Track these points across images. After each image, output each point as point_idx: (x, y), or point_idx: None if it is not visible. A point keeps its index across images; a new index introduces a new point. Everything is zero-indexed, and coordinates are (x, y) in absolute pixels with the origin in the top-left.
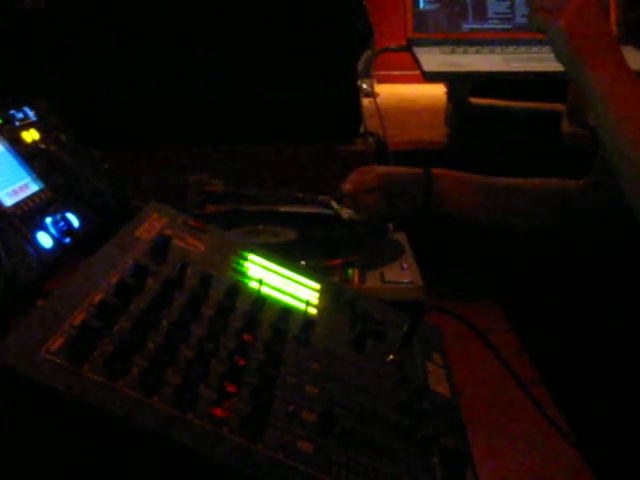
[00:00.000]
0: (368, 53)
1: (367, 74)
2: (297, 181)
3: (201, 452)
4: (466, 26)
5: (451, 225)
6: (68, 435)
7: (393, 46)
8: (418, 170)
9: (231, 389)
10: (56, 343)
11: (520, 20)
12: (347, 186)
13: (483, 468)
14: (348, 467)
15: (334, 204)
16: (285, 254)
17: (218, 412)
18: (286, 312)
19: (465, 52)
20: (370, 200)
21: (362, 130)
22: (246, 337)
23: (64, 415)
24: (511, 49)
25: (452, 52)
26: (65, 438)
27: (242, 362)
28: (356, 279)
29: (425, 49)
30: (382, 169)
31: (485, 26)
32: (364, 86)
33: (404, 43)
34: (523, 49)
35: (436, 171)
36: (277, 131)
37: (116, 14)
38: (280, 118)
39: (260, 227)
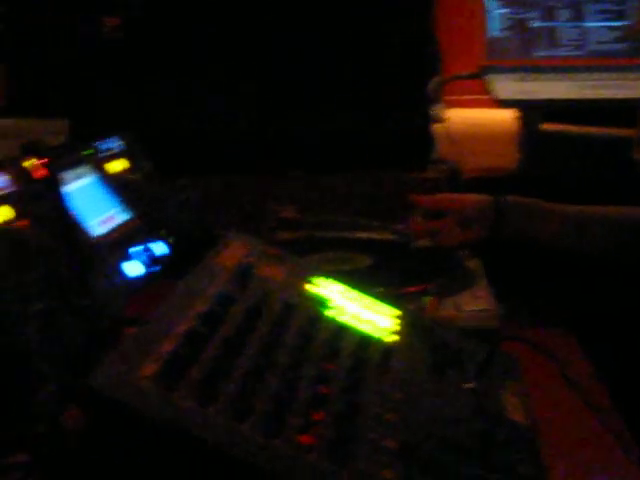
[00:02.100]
0: (436, 79)
1: (436, 100)
2: (370, 208)
3: (289, 479)
4: (537, 53)
5: (522, 252)
6: (160, 459)
7: (465, 73)
8: (489, 197)
9: (316, 417)
10: (149, 370)
11: (591, 46)
12: (418, 212)
13: None
14: None
15: (409, 231)
16: (361, 281)
17: (304, 439)
18: (365, 340)
19: (537, 79)
20: (442, 227)
21: (434, 157)
22: (328, 366)
23: (157, 440)
24: (583, 76)
25: (524, 79)
26: (158, 462)
27: (325, 390)
28: (432, 307)
29: (497, 76)
30: (454, 196)
31: (556, 53)
32: (433, 112)
33: (474, 70)
34: (595, 75)
35: (508, 199)
36: (349, 159)
37: (194, 44)
38: (351, 147)
39: (334, 254)
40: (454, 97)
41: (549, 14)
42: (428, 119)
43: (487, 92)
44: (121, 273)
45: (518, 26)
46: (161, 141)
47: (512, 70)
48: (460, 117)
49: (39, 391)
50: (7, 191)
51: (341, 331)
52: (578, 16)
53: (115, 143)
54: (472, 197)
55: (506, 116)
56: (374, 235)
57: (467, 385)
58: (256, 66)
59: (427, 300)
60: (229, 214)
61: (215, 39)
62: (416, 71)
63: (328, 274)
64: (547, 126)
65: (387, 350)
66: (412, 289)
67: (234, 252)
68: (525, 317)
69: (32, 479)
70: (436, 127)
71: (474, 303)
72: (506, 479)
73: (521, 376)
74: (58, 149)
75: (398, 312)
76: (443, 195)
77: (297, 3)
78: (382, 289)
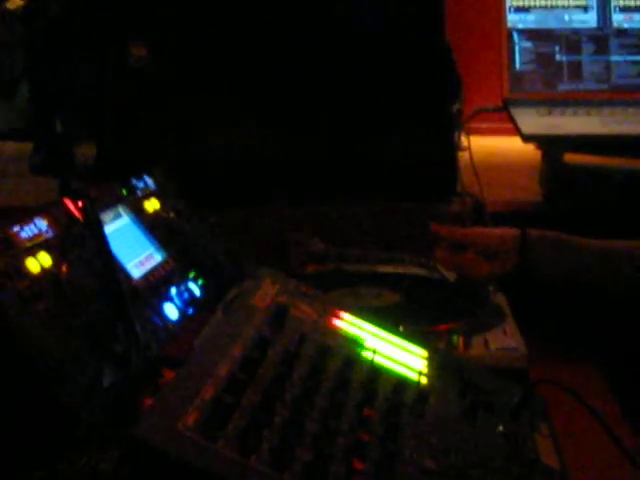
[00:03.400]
0: (457, 106)
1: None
2: (395, 241)
3: None
4: (562, 87)
5: (545, 288)
6: None
7: (490, 107)
8: (514, 230)
9: (358, 466)
10: (191, 418)
11: (616, 80)
12: (443, 245)
13: None
14: None
15: (438, 266)
16: (391, 317)
17: None
18: (400, 383)
19: (562, 113)
20: (466, 260)
21: (458, 189)
22: (366, 411)
23: None
24: (608, 110)
25: (549, 113)
26: None
27: (366, 437)
28: (461, 345)
29: (522, 110)
30: (478, 229)
31: (581, 87)
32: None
33: (498, 102)
34: (619, 110)
35: (532, 232)
36: (374, 190)
37: (221, 74)
38: (377, 177)
39: (362, 289)
40: (477, 125)
41: (574, 47)
42: (453, 150)
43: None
44: (161, 315)
45: (542, 59)
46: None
47: (536, 104)
48: (486, 145)
49: (78, 436)
50: (47, 236)
51: (376, 373)
52: (603, 50)
53: (148, 181)
54: (496, 231)
55: (529, 146)
56: (403, 269)
57: (500, 429)
58: (276, 97)
59: (457, 339)
60: (251, 247)
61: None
62: (439, 100)
63: (359, 312)
64: (570, 156)
65: (421, 393)
66: (441, 327)
67: (267, 290)
68: (552, 356)
69: None
70: (460, 156)
71: (503, 342)
72: None
73: (551, 418)
74: (94, 189)
75: (428, 352)
76: (467, 229)
77: (323, 36)
78: (412, 328)
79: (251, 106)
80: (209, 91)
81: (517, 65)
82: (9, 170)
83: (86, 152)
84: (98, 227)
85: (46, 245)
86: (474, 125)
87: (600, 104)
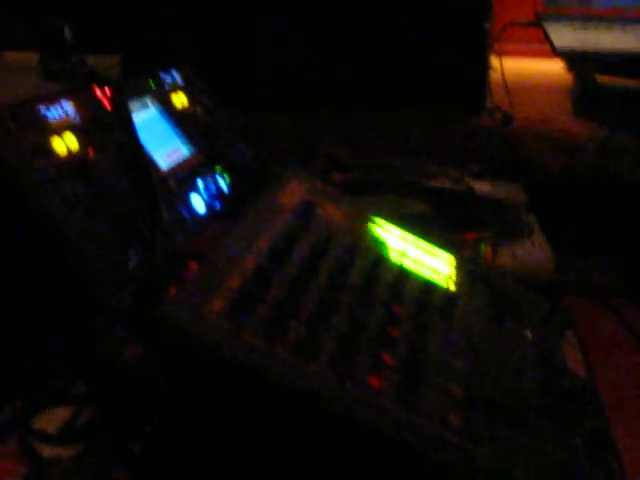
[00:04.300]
0: (487, 25)
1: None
2: (422, 152)
3: (359, 419)
4: (597, 2)
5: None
6: (227, 395)
7: (523, 21)
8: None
9: (387, 359)
10: (217, 304)
11: None
12: None
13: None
14: (495, 442)
15: (467, 178)
16: (418, 226)
17: (374, 381)
18: (428, 285)
19: (597, 29)
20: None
21: (487, 104)
22: (395, 308)
23: (225, 376)
24: None
25: (583, 28)
26: (222, 397)
27: (395, 333)
28: (489, 255)
29: (555, 24)
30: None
31: (616, 3)
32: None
33: (529, 17)
34: None
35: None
36: (404, 99)
37: None
38: (408, 88)
39: (388, 198)
40: (509, 45)
41: None
42: (484, 65)
43: (543, 41)
44: (189, 207)
45: None
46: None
47: (571, 19)
48: (514, 66)
49: (99, 319)
50: (73, 119)
51: (404, 275)
52: None
53: (176, 75)
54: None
55: (558, 67)
56: (431, 181)
57: (528, 335)
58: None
59: (484, 248)
60: (278, 152)
61: None
62: (470, 16)
63: (387, 217)
64: (601, 78)
65: (449, 297)
66: (469, 236)
67: (294, 190)
68: (580, 267)
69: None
70: (490, 74)
71: (531, 253)
72: (572, 432)
73: (578, 328)
74: (122, 79)
75: (456, 259)
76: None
77: None
78: (439, 235)
79: (297, 25)
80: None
81: None
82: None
83: (106, 62)
84: (126, 113)
85: (73, 127)
86: (504, 46)
87: (635, 21)
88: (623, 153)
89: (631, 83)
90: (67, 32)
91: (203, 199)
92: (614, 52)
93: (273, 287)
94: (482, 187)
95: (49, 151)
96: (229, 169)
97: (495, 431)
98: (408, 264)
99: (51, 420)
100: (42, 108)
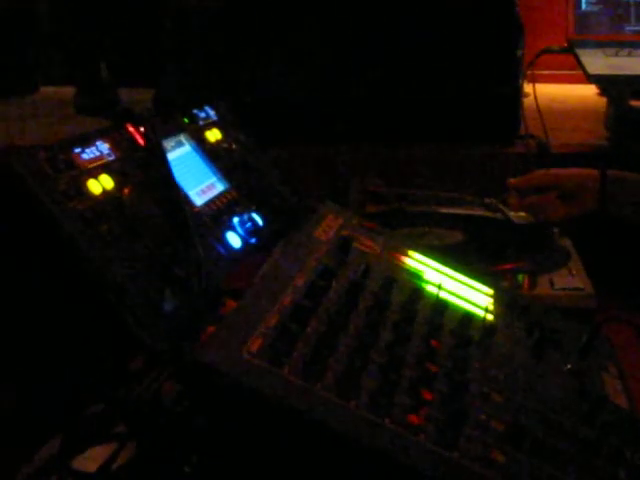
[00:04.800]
0: (519, 52)
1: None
2: (457, 182)
3: (399, 459)
4: (629, 28)
5: (621, 229)
6: (266, 435)
7: (555, 47)
8: (592, 171)
9: (427, 396)
10: (255, 344)
11: None
12: (516, 183)
13: None
14: (539, 479)
15: (502, 207)
16: (454, 257)
17: (414, 419)
18: (466, 318)
19: (629, 54)
20: (544, 201)
21: (521, 132)
22: (434, 343)
23: (264, 416)
24: None
25: (615, 55)
26: (262, 437)
27: (434, 369)
28: (526, 285)
29: (588, 51)
30: (556, 170)
31: None
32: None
33: (561, 44)
34: None
35: (611, 172)
36: (436, 131)
37: (284, 14)
38: (440, 117)
39: (424, 229)
40: (538, 72)
41: None
42: (517, 92)
43: (578, 66)
44: (224, 244)
45: (608, 1)
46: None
47: (602, 45)
48: (547, 92)
49: (138, 360)
50: (108, 159)
51: (442, 307)
52: None
53: (210, 112)
54: (575, 171)
55: (591, 92)
56: (466, 210)
57: (568, 366)
58: (336, 34)
59: (522, 278)
60: (314, 185)
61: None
62: (504, 43)
63: (422, 249)
64: (635, 103)
65: (488, 328)
66: (506, 266)
67: (330, 224)
68: (618, 298)
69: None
70: (523, 101)
71: (569, 282)
72: (615, 465)
73: (618, 359)
74: (156, 116)
75: (494, 290)
76: (544, 171)
77: None
78: (476, 266)
79: (313, 46)
80: (274, 31)
81: (582, 5)
82: (54, 113)
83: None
84: (160, 151)
85: (108, 168)
86: (537, 72)
87: None
88: None
89: None
90: (103, 69)
91: (238, 234)
92: None
93: (311, 324)
94: (518, 215)
95: (85, 192)
96: (264, 203)
97: (538, 467)
98: (446, 297)
99: (90, 459)
100: (77, 150)
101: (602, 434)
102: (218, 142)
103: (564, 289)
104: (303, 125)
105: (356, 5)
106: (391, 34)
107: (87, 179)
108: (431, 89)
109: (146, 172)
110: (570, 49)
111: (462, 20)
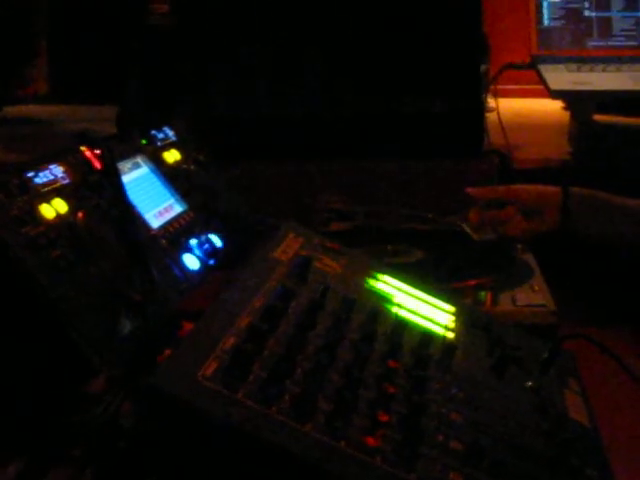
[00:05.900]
0: (484, 67)
1: (484, 88)
2: (420, 199)
3: None
4: (591, 43)
5: (582, 246)
6: (221, 459)
7: (518, 63)
8: (555, 188)
9: (383, 418)
10: (210, 368)
11: None
12: (474, 193)
13: None
14: None
15: (464, 225)
16: (416, 274)
17: (370, 441)
18: (426, 337)
19: (591, 70)
20: (505, 217)
21: (485, 147)
22: (391, 363)
23: (220, 440)
24: (636, 67)
25: (578, 70)
26: (216, 462)
27: (392, 390)
28: (488, 301)
29: (550, 66)
30: (518, 186)
31: (610, 43)
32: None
33: (525, 59)
34: None
35: (573, 189)
36: (400, 147)
37: (243, 30)
38: (404, 133)
39: (388, 247)
40: (503, 86)
41: (603, 4)
42: (481, 107)
43: (540, 82)
44: (181, 266)
45: (571, 15)
46: (211, 127)
47: (565, 60)
48: (512, 107)
49: (93, 385)
50: (62, 183)
51: (401, 326)
52: (632, 6)
53: (168, 132)
54: (536, 187)
55: (556, 107)
56: (428, 227)
57: (529, 384)
58: (303, 49)
59: (483, 295)
60: (277, 202)
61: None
62: (467, 59)
63: (383, 268)
64: (599, 117)
65: (448, 347)
66: (468, 283)
67: (290, 244)
68: (581, 314)
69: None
70: (487, 116)
71: (531, 298)
72: None
73: (580, 375)
74: (113, 138)
75: (455, 307)
76: (506, 186)
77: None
78: (437, 283)
79: (278, 61)
80: (231, 46)
81: (545, 21)
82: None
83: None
84: (115, 174)
85: (61, 192)
86: (501, 87)
87: (630, 60)
88: None
89: (625, 121)
90: None
91: (196, 256)
92: (610, 91)
93: (268, 347)
94: (479, 232)
95: (37, 217)
96: (223, 224)
97: None
98: (406, 315)
99: None
100: (30, 173)
101: (562, 452)
102: (177, 163)
103: (526, 305)
104: (270, 142)
105: (318, 20)
106: (354, 49)
107: (40, 203)
108: (394, 104)
109: (101, 195)
110: (532, 65)
111: (426, 35)
